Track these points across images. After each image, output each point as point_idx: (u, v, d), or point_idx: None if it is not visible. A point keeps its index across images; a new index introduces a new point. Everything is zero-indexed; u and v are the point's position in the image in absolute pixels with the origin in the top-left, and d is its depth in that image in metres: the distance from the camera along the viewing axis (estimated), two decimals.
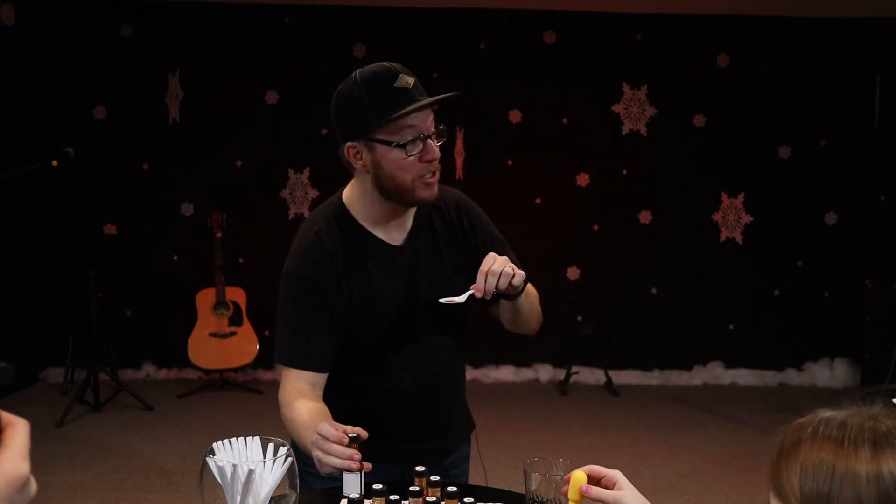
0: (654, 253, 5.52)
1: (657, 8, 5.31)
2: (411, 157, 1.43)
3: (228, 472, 1.04)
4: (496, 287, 1.39)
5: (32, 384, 5.21)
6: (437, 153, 1.45)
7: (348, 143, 1.47)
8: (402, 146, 1.42)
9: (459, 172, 5.42)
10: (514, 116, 5.49)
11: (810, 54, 5.39)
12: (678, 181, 5.49)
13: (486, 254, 1.45)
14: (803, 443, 0.81)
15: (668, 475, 3.75)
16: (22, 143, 4.98)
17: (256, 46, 5.31)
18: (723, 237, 5.55)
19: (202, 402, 4.87)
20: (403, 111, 1.39)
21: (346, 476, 1.27)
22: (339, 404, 1.60)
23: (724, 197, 5.54)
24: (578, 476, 1.10)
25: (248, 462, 1.08)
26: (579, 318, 5.56)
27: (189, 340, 4.99)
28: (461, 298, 1.45)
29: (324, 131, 5.12)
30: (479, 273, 1.40)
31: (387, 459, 1.60)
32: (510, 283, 1.41)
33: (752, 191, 5.52)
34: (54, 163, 3.95)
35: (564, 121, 5.50)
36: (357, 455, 1.26)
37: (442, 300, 1.47)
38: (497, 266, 1.40)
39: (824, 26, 5.35)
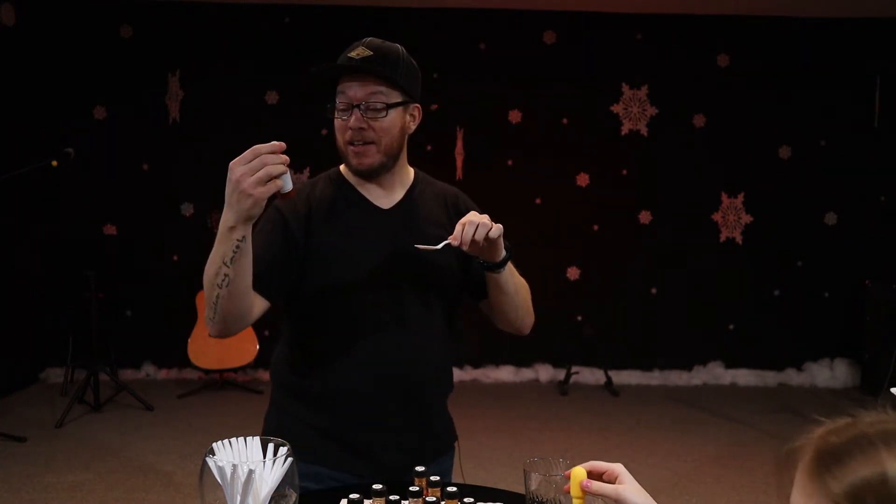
0: (654, 253, 5.53)
1: (657, 8, 5.31)
2: (337, 120, 1.50)
3: (228, 472, 1.04)
4: (473, 237, 1.39)
5: (32, 384, 5.21)
6: (356, 123, 1.47)
7: None
8: (331, 107, 1.51)
9: (459, 172, 5.43)
10: (514, 116, 5.49)
11: (810, 54, 5.40)
12: (678, 181, 5.49)
13: None
14: (880, 449, 0.79)
15: (668, 475, 3.75)
16: (22, 143, 4.98)
17: (256, 46, 5.31)
18: (723, 237, 5.56)
19: (202, 402, 4.87)
20: (315, 68, 1.48)
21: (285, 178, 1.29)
22: (304, 386, 1.55)
23: (724, 197, 5.54)
24: (578, 472, 1.10)
25: (248, 462, 1.08)
26: (579, 318, 5.56)
27: (189, 340, 4.99)
28: (438, 246, 1.44)
29: (324, 131, 5.12)
30: (457, 224, 1.42)
31: (350, 467, 1.53)
32: (487, 236, 1.41)
33: (752, 191, 5.53)
34: (54, 163, 3.95)
35: (564, 121, 5.50)
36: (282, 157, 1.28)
37: (418, 245, 1.46)
38: (475, 218, 1.41)
39: (824, 26, 5.36)
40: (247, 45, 5.32)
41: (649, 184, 5.50)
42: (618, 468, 1.09)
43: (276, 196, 1.29)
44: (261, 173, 1.25)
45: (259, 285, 1.43)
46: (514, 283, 1.60)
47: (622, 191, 5.52)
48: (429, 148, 5.40)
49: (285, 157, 1.28)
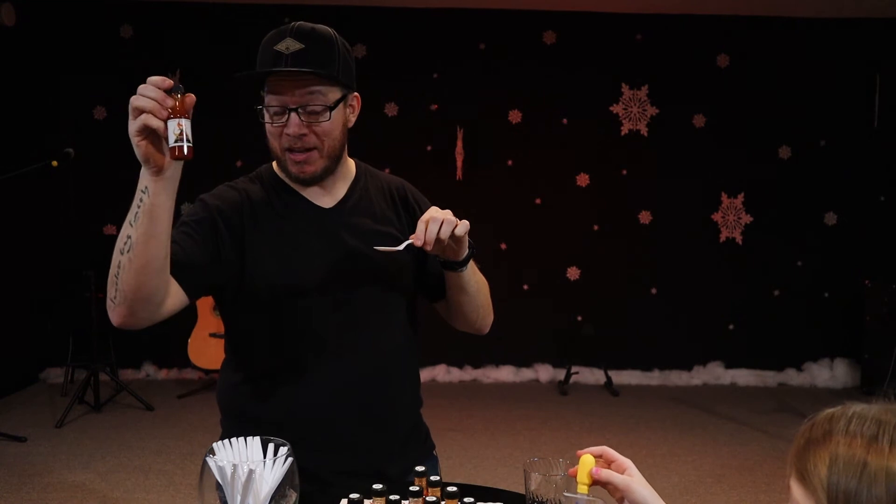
0: (654, 253, 5.53)
1: (657, 8, 5.31)
2: (269, 125, 1.37)
3: (228, 472, 1.04)
4: (438, 238, 1.28)
5: (32, 384, 5.21)
6: (295, 130, 1.33)
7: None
8: (261, 109, 1.38)
9: (459, 172, 5.42)
10: (514, 116, 5.49)
11: (810, 54, 5.40)
12: (678, 181, 5.49)
13: None
14: (835, 434, 0.82)
15: (668, 475, 3.75)
16: (22, 143, 4.98)
17: (256, 46, 5.30)
18: (723, 237, 5.56)
19: (202, 402, 4.86)
20: (242, 73, 1.36)
21: (170, 126, 1.14)
22: (255, 413, 1.39)
23: (724, 197, 5.54)
24: (587, 459, 1.11)
25: (248, 462, 1.08)
26: (579, 318, 5.56)
27: (189, 340, 4.99)
28: (399, 247, 1.34)
29: None
30: (419, 222, 1.30)
31: (314, 480, 1.33)
32: (453, 233, 1.29)
33: (752, 191, 5.53)
34: (54, 163, 3.96)
35: (564, 121, 5.50)
36: (169, 101, 1.13)
37: (378, 247, 1.35)
38: (438, 214, 1.29)
39: (824, 26, 5.36)
40: (247, 45, 5.31)
41: (649, 184, 5.50)
42: (627, 462, 1.11)
43: (171, 153, 1.14)
44: (132, 116, 1.11)
45: (177, 270, 1.27)
46: (475, 281, 1.47)
47: (622, 191, 5.52)
48: (429, 148, 5.41)
49: (162, 96, 1.12)
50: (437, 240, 1.29)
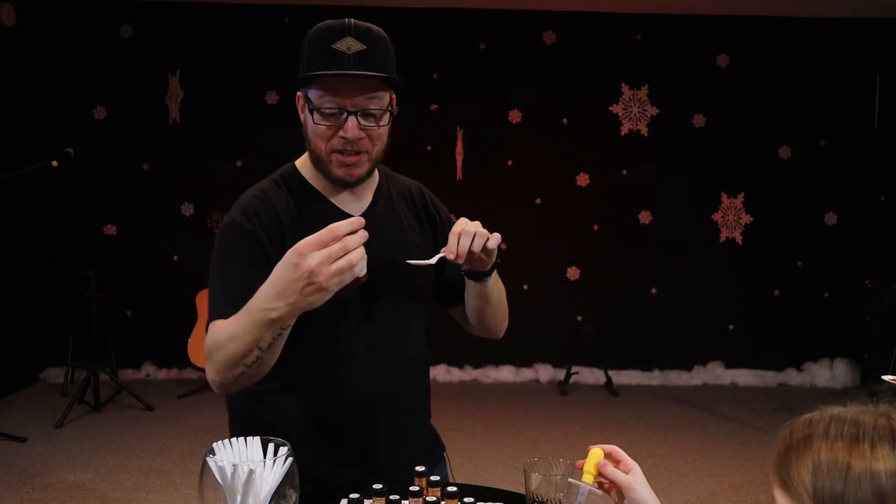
0: (654, 253, 5.53)
1: (657, 8, 5.31)
2: (321, 126, 1.32)
3: (228, 472, 1.04)
4: (470, 250, 1.27)
5: (32, 384, 5.21)
6: (355, 134, 1.29)
7: (298, 91, 1.39)
8: (313, 111, 1.32)
9: (459, 173, 5.42)
10: (514, 116, 5.49)
11: (810, 54, 5.40)
12: (678, 181, 5.49)
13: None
14: (815, 439, 0.82)
15: (669, 475, 3.75)
16: (22, 143, 4.98)
17: (256, 46, 5.31)
18: (723, 237, 5.56)
19: (202, 402, 4.87)
20: (310, 72, 1.29)
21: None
22: (268, 420, 1.37)
23: (724, 197, 5.54)
24: (596, 452, 1.13)
25: (248, 462, 1.08)
26: (579, 318, 5.56)
27: (189, 340, 4.99)
28: (431, 261, 1.33)
29: None
30: (450, 234, 1.29)
31: (320, 480, 1.33)
32: (485, 247, 1.29)
33: (752, 191, 5.53)
34: (54, 163, 3.96)
35: (564, 121, 5.50)
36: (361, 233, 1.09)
37: (410, 261, 1.34)
38: (471, 227, 1.28)
39: (824, 26, 5.36)
40: (247, 45, 5.32)
41: (649, 184, 5.50)
42: (633, 464, 1.14)
43: (357, 282, 1.11)
44: (342, 263, 1.06)
45: None
46: (497, 290, 1.47)
47: (622, 191, 5.52)
48: (429, 148, 5.40)
49: (364, 234, 1.10)
50: (469, 252, 1.28)
